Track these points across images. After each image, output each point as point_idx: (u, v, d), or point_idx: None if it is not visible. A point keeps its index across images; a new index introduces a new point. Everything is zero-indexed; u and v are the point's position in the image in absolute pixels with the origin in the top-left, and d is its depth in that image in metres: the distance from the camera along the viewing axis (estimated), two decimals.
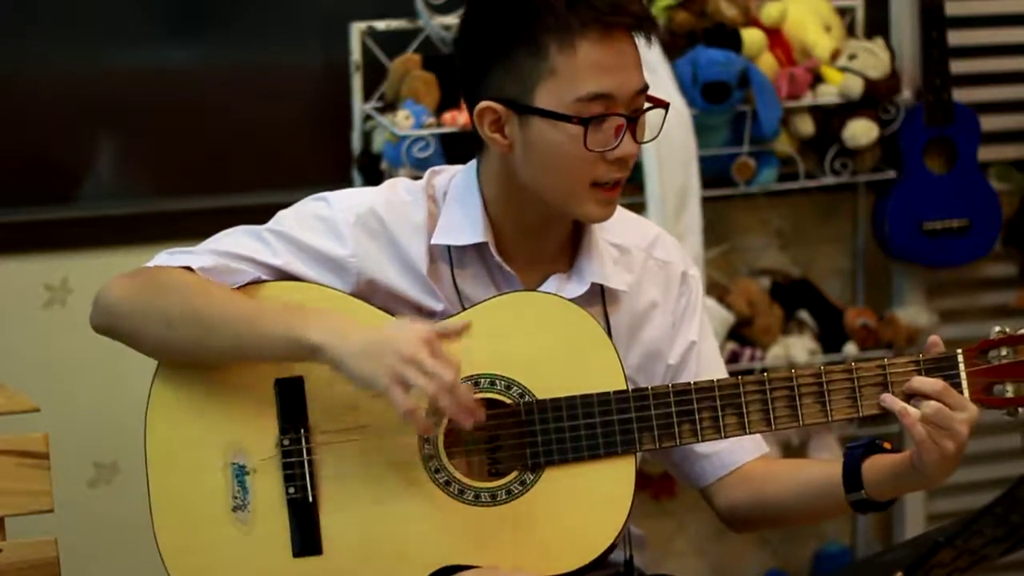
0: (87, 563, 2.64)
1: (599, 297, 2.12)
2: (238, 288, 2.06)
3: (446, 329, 1.97)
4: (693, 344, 2.18)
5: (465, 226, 2.08)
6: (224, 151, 3.37)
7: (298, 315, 1.98)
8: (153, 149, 3.34)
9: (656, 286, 2.17)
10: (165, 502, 2.04)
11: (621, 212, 2.16)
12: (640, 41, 2.02)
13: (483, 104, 2.02)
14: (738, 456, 2.16)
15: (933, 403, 1.97)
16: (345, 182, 3.35)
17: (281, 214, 2.12)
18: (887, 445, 2.07)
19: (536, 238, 2.11)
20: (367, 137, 3.32)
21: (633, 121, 2.01)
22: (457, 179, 2.13)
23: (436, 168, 2.17)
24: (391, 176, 3.18)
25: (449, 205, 2.10)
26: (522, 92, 2.00)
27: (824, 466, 2.13)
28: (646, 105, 2.04)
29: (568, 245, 2.14)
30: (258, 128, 3.38)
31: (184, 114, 3.33)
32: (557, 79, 1.98)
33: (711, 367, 2.19)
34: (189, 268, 2.05)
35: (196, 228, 3.22)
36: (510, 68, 2.00)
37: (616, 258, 2.14)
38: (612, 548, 2.04)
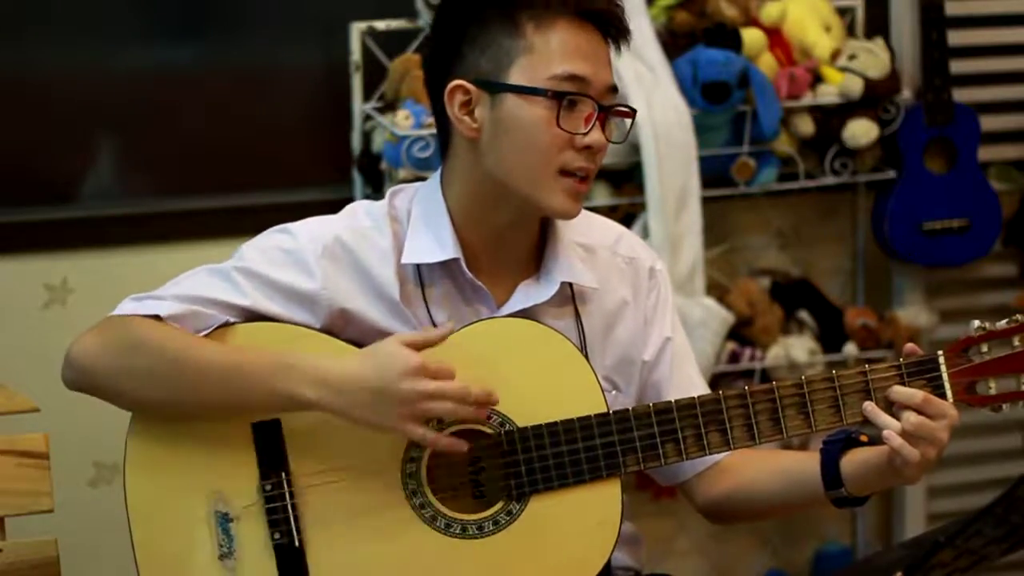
0: (87, 563, 2.64)
1: (570, 299, 2.12)
2: (208, 334, 2.03)
3: (429, 340, 1.98)
4: (668, 340, 2.18)
5: (434, 243, 2.06)
6: (224, 151, 3.37)
7: (283, 368, 1.97)
8: (153, 149, 3.34)
9: (624, 284, 2.17)
10: (151, 556, 2.02)
11: (585, 212, 2.16)
12: (611, 49, 2.05)
13: (455, 83, 2.02)
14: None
15: (914, 417, 1.97)
16: (345, 182, 3.35)
17: (244, 249, 2.09)
18: (864, 438, 2.07)
19: (504, 246, 2.10)
20: (367, 137, 3.32)
21: (604, 112, 2.02)
22: (419, 196, 2.11)
23: (395, 188, 2.15)
24: (391, 176, 3.19)
25: (415, 224, 2.08)
26: (496, 70, 2.01)
27: (802, 459, 2.13)
28: (617, 107, 2.05)
29: (535, 253, 2.13)
30: (258, 128, 3.37)
31: (184, 114, 3.33)
32: (532, 57, 1.99)
33: (685, 361, 2.20)
34: (157, 317, 2.01)
35: (196, 228, 3.26)
36: (485, 48, 2.01)
37: (583, 257, 2.14)
38: (604, 572, 2.03)
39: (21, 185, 3.28)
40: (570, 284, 2.11)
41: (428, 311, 2.07)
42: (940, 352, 2.05)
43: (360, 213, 2.11)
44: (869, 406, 2.01)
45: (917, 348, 2.06)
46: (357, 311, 2.06)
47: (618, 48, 2.05)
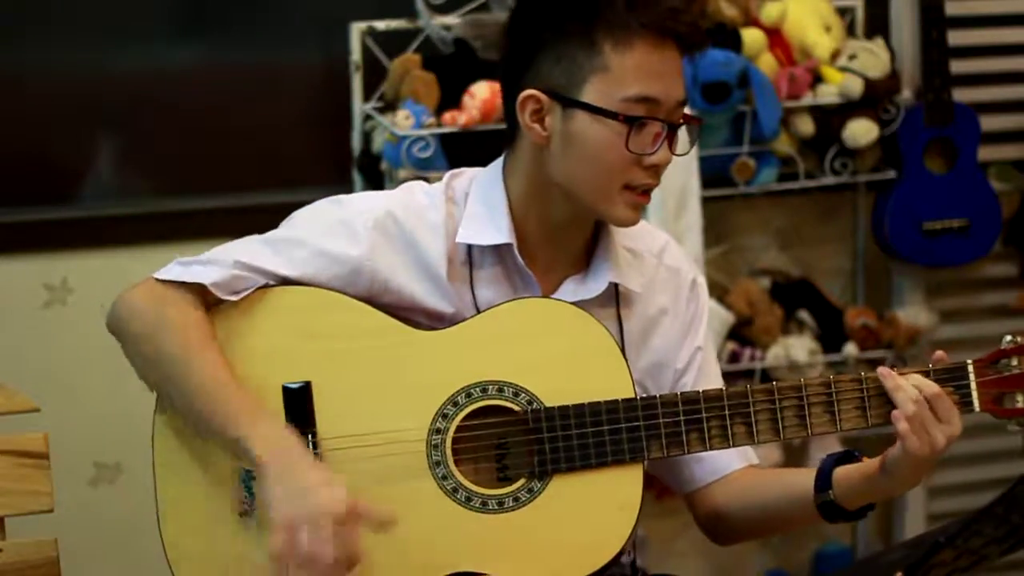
0: (87, 563, 2.64)
1: (613, 299, 2.13)
2: (247, 295, 2.05)
3: (369, 514, 1.90)
4: (698, 349, 2.20)
5: (489, 226, 2.08)
6: (224, 151, 3.37)
7: (253, 428, 1.94)
8: (153, 149, 3.34)
9: (666, 293, 2.18)
10: (172, 508, 2.04)
11: None
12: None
13: (528, 92, 2.03)
14: (727, 463, 2.17)
15: (932, 390, 1.98)
16: (345, 182, 3.35)
17: (296, 216, 2.12)
18: (864, 459, 2.07)
19: (558, 240, 2.11)
20: (367, 137, 3.32)
21: (673, 130, 2.03)
22: (479, 179, 2.13)
23: (455, 171, 2.17)
24: (391, 176, 3.19)
25: (472, 205, 2.10)
26: (570, 85, 2.01)
27: (804, 474, 2.13)
28: (683, 119, 2.05)
29: (586, 249, 2.14)
30: (258, 128, 3.38)
31: (184, 114, 3.33)
32: (608, 76, 1.99)
33: (710, 371, 2.21)
34: (201, 286, 2.03)
35: (196, 228, 3.26)
36: (560, 60, 2.01)
37: (630, 261, 2.15)
38: (619, 556, 2.04)
39: (21, 185, 3.28)
40: (615, 285, 2.12)
41: (473, 292, 2.09)
42: (969, 361, 2.05)
43: (416, 191, 2.13)
44: (883, 370, 2.02)
45: (945, 355, 2.06)
46: (400, 286, 2.07)
47: (691, 56, 2.05)
